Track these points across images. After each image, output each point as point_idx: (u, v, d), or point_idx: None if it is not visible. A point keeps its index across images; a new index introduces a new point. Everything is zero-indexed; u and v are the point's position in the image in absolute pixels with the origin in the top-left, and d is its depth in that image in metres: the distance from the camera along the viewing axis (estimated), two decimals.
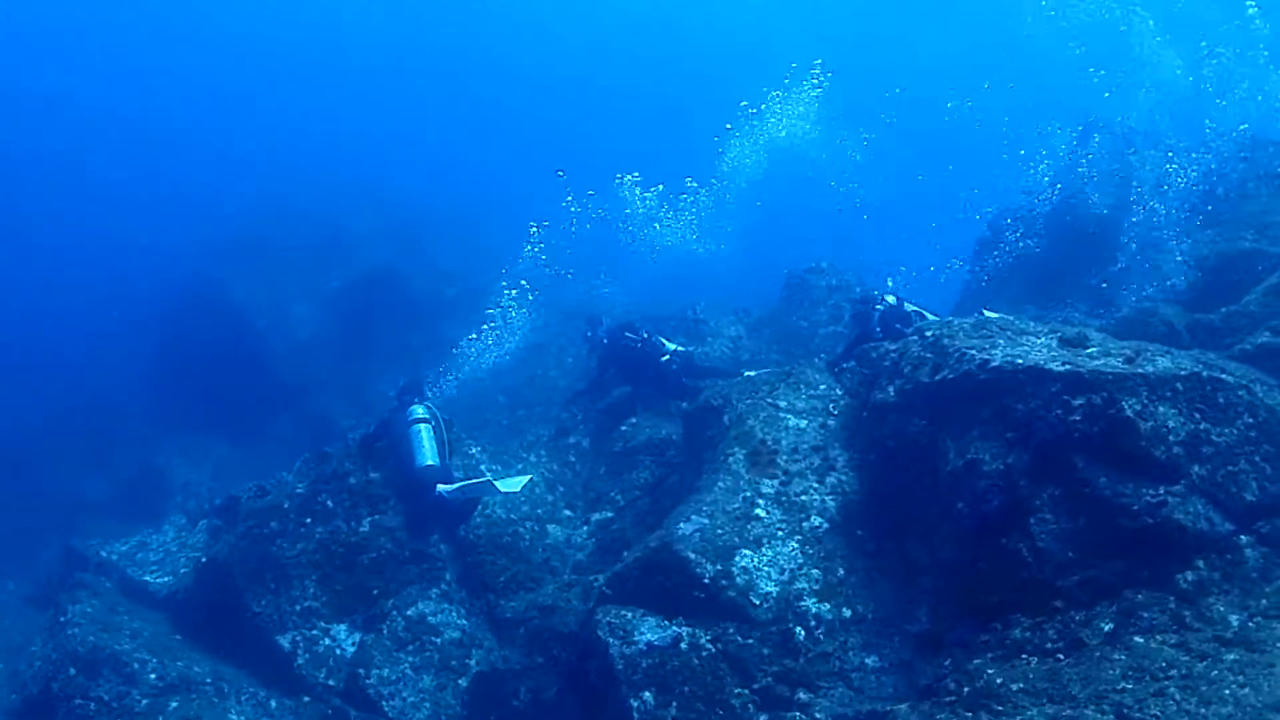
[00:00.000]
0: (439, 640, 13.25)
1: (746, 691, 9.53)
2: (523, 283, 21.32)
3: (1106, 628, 8.26)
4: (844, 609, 10.26)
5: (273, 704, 12.67)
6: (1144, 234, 18.59)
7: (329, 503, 14.07)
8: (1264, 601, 8.20)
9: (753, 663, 9.69)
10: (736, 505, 11.12)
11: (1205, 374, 9.56)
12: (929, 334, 11.40)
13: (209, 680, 12.66)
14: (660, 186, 23.13)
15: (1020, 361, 9.78)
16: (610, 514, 15.31)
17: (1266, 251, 15.65)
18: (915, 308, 15.77)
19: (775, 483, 11.50)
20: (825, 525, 11.06)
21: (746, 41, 66.69)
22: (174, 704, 12.23)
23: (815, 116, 25.29)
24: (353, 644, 13.19)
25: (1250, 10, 23.00)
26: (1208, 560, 8.51)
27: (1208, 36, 22.87)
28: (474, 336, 21.25)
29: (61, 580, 16.50)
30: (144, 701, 12.22)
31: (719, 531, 10.71)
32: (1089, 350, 10.14)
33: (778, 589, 10.28)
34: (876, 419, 11.54)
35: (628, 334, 17.83)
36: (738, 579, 10.29)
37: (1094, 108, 22.14)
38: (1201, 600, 8.29)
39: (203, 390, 26.79)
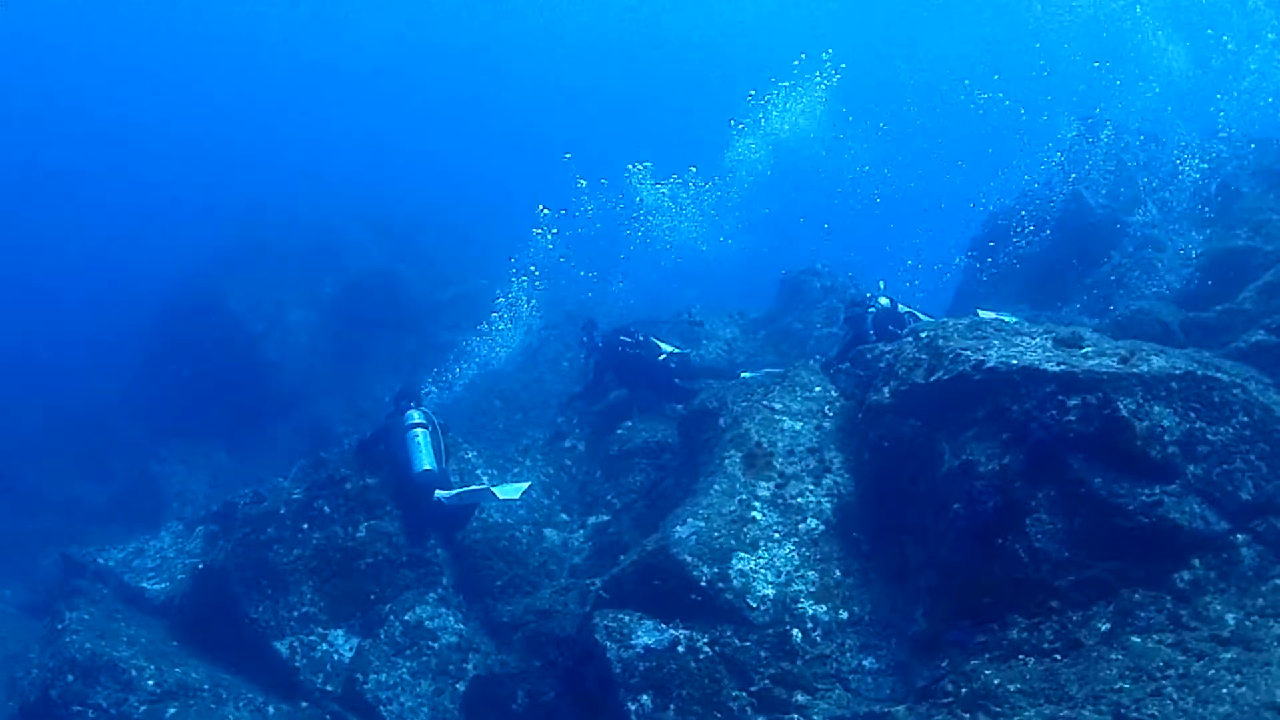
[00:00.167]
0: (436, 645, 13.24)
1: (744, 694, 9.51)
2: (532, 269, 21.25)
3: (1103, 628, 8.26)
4: (841, 611, 10.26)
5: (270, 710, 12.64)
6: (1139, 232, 18.62)
7: (326, 508, 14.06)
8: (1260, 600, 8.21)
9: (750, 665, 9.68)
10: (733, 508, 11.13)
11: (1200, 373, 9.57)
12: (924, 335, 11.40)
13: (207, 686, 12.64)
14: (676, 177, 23.08)
15: (1015, 362, 9.78)
16: (607, 517, 15.31)
17: (1261, 249, 15.65)
18: (909, 309, 15.79)
19: (771, 485, 11.51)
20: (821, 527, 11.07)
21: (751, 40, 66.76)
22: (172, 710, 12.21)
23: (825, 110, 25.19)
24: (350, 649, 13.19)
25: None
26: (1204, 559, 8.51)
27: (1214, 25, 22.86)
28: (485, 326, 21.22)
29: (59, 587, 16.49)
30: (142, 708, 12.19)
31: (715, 534, 10.71)
32: (1084, 350, 10.15)
33: (774, 591, 10.29)
34: (872, 421, 11.54)
35: (623, 338, 17.84)
36: (734, 582, 10.29)
37: (1100, 101, 22.10)
38: (1198, 599, 8.30)
39: (199, 396, 26.77)
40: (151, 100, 67.69)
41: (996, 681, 8.09)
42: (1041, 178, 22.60)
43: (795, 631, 9.98)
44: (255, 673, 13.13)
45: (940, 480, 9.93)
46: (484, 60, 75.91)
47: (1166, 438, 8.98)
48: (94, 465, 26.50)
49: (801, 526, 11.04)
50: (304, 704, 12.76)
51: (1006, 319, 13.25)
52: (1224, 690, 7.14)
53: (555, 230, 21.84)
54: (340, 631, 13.34)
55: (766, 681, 9.58)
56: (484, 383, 22.10)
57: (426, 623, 13.42)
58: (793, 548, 10.78)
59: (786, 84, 25.04)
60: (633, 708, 9.44)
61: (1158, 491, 8.68)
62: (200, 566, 14.66)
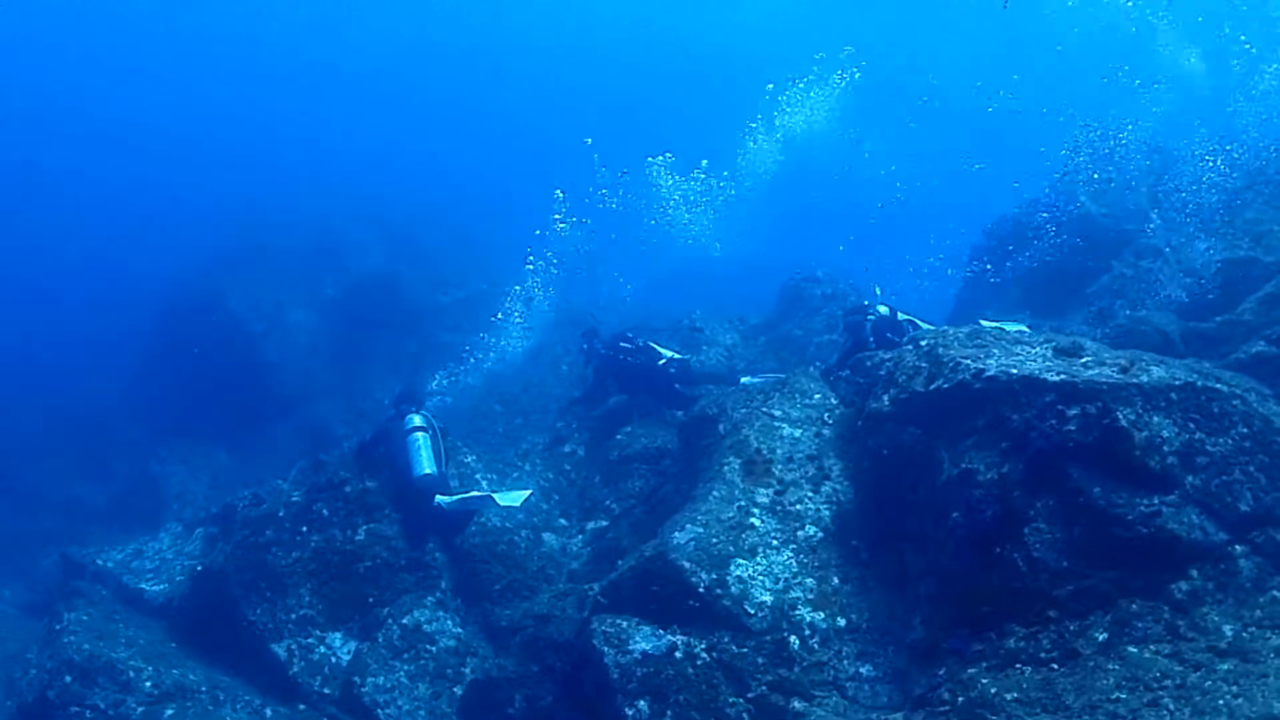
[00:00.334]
0: (434, 648, 13.25)
1: (741, 700, 9.52)
2: (549, 254, 21.16)
3: (1101, 637, 8.26)
4: (839, 618, 10.27)
5: (268, 712, 12.66)
6: (1140, 242, 18.63)
7: (325, 511, 14.07)
8: (1258, 612, 8.22)
9: (747, 672, 9.69)
10: (731, 514, 11.14)
11: (1200, 383, 9.58)
12: (924, 343, 11.41)
13: (204, 688, 12.65)
14: (700, 172, 22.92)
15: (1015, 371, 9.79)
16: (605, 522, 15.32)
17: (1261, 260, 15.67)
18: (908, 317, 15.80)
19: (770, 492, 11.52)
20: (820, 534, 11.09)
21: (762, 39, 66.70)
22: (169, 711, 12.22)
23: (843, 108, 25.02)
24: (348, 652, 13.20)
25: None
26: (1202, 570, 8.52)
27: (1234, 25, 22.81)
28: (499, 316, 21.15)
29: (58, 588, 16.52)
30: (140, 709, 12.21)
31: (714, 540, 10.72)
32: (1083, 360, 10.16)
33: (772, 598, 10.29)
34: (871, 428, 11.55)
35: (623, 344, 17.84)
36: (733, 588, 10.29)
37: (1116, 105, 22.02)
38: (1196, 610, 8.30)
39: (199, 397, 26.74)
40: (152, 100, 67.71)
41: (994, 690, 8.11)
42: (1044, 186, 22.62)
43: (793, 638, 9.98)
44: (253, 675, 13.16)
45: (939, 488, 9.94)
46: (486, 61, 75.95)
47: (1166, 448, 8.99)
48: (94, 465, 26.49)
49: (800, 533, 11.05)
50: (301, 706, 12.77)
51: (1008, 328, 13.27)
52: (1221, 701, 7.15)
53: (576, 218, 21.67)
54: (338, 634, 13.36)
55: (764, 688, 9.58)
56: (484, 386, 22.10)
57: (424, 626, 13.42)
58: (791, 555, 10.79)
59: (807, 78, 24.80)
60: (630, 713, 9.45)
61: (1156, 502, 8.69)
62: (199, 568, 14.67)
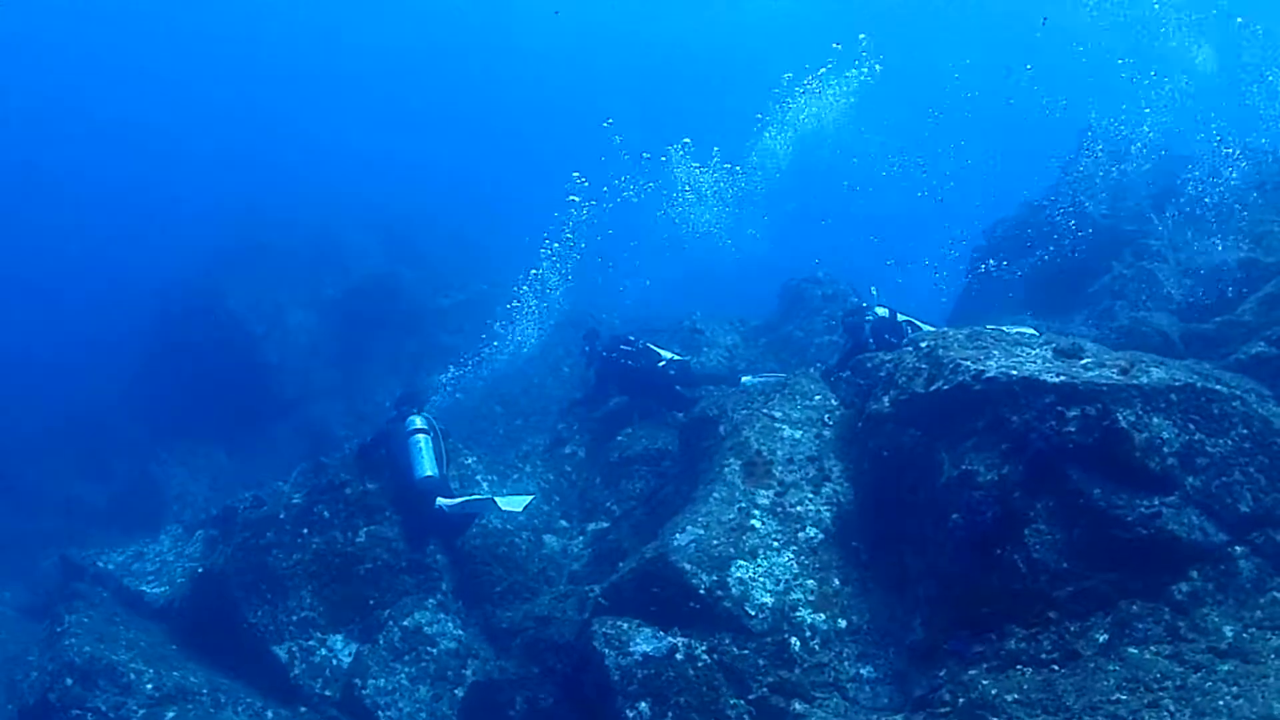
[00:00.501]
0: (435, 650, 13.26)
1: (742, 702, 9.52)
2: (567, 235, 21.00)
3: (1101, 638, 8.27)
4: (839, 620, 10.28)
5: (269, 714, 12.67)
6: (1140, 243, 18.62)
7: (325, 513, 14.08)
8: (1258, 612, 8.23)
9: (748, 673, 9.69)
10: (732, 516, 11.14)
11: (1200, 385, 9.58)
12: (924, 345, 11.42)
13: (205, 690, 12.66)
14: (719, 160, 22.71)
15: (1015, 373, 9.79)
16: (606, 524, 15.32)
17: (1261, 261, 15.66)
18: (907, 318, 15.80)
19: (770, 493, 11.52)
20: (820, 536, 11.09)
21: (762, 41, 66.54)
22: (170, 714, 12.23)
23: (863, 101, 24.77)
24: (349, 654, 13.21)
25: None
26: (1202, 571, 8.53)
27: (1245, 14, 22.72)
28: (515, 304, 21.06)
29: (58, 590, 16.52)
30: (140, 712, 12.22)
31: (714, 542, 10.72)
32: (1084, 361, 10.17)
33: (773, 600, 10.29)
34: (871, 430, 11.56)
35: (623, 346, 17.84)
36: (733, 590, 10.30)
37: (1126, 99, 21.91)
38: (1196, 611, 8.31)
39: (199, 399, 26.73)
40: (153, 101, 67.73)
41: (994, 692, 8.11)
42: (1043, 188, 22.63)
43: (794, 640, 9.98)
44: (254, 677, 13.17)
45: (939, 490, 9.94)
46: (486, 64, 76.00)
47: (1166, 449, 9.00)
48: (94, 467, 26.47)
49: (801, 535, 11.05)
50: (302, 709, 12.79)
51: (1026, 332, 13.25)
52: (1221, 702, 7.17)
53: (594, 200, 21.51)
54: (339, 636, 13.37)
55: (764, 690, 9.58)
56: (484, 387, 22.09)
57: (425, 628, 13.44)
58: (791, 556, 10.79)
59: (825, 68, 24.50)
60: (631, 715, 9.45)
61: (1156, 503, 8.70)
62: (200, 570, 14.69)
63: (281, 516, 14.02)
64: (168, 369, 28.78)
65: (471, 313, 29.00)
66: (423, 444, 14.63)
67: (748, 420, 12.74)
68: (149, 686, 12.51)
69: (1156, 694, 7.50)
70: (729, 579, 10.38)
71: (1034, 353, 10.57)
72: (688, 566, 10.41)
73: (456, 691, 12.84)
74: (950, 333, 11.72)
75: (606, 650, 9.93)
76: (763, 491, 11.56)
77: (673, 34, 75.22)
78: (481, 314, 26.89)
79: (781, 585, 10.45)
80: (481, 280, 31.38)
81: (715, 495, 11.50)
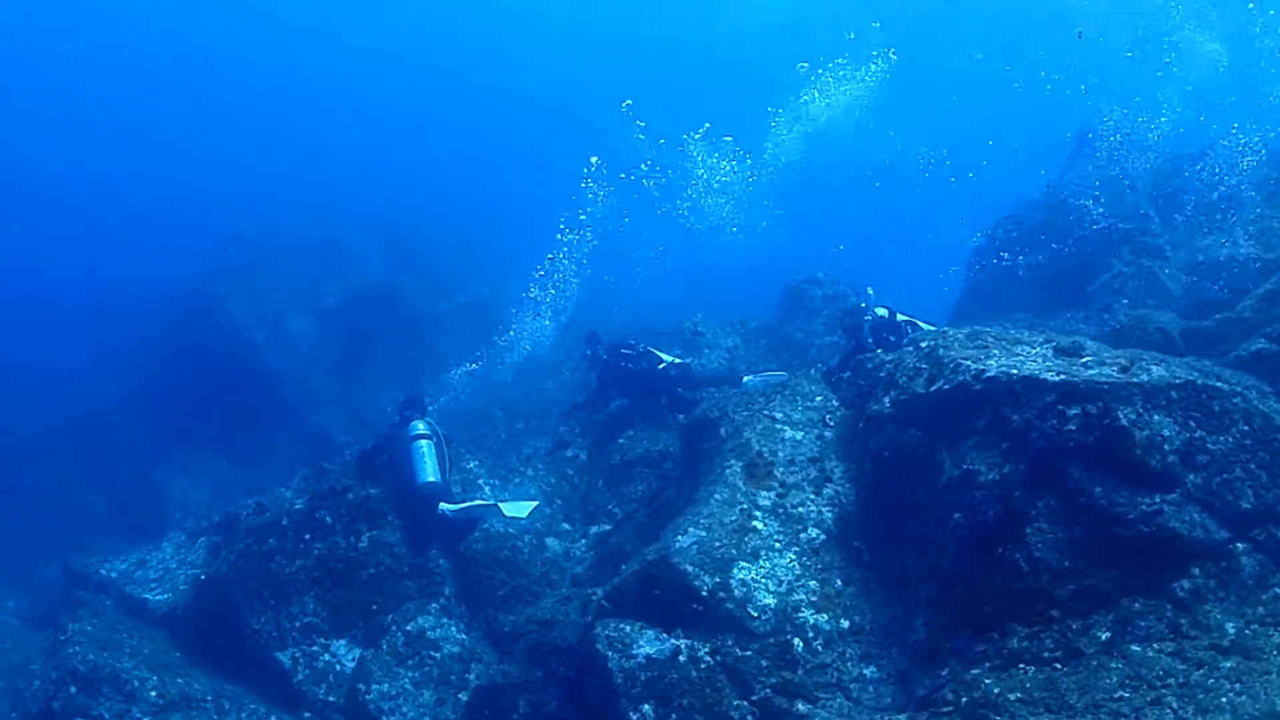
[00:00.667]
0: (438, 655, 13.26)
1: (745, 703, 9.52)
2: (582, 216, 20.80)
3: (1103, 636, 8.27)
4: (842, 620, 10.28)
5: (273, 719, 12.70)
6: (1140, 241, 18.61)
7: (328, 519, 14.09)
8: (1260, 609, 8.23)
9: (751, 675, 9.69)
10: (734, 517, 11.15)
11: (1200, 382, 9.58)
12: (924, 345, 11.42)
13: (209, 697, 12.68)
14: (739, 149, 22.46)
15: (1015, 372, 9.79)
16: (608, 527, 15.33)
17: (1261, 257, 15.67)
18: (908, 318, 15.79)
19: (772, 495, 11.53)
20: (822, 537, 11.10)
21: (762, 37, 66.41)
22: None
23: (880, 92, 24.53)
24: (352, 660, 13.22)
25: None
26: (1204, 568, 8.53)
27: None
28: (532, 292, 20.94)
29: (61, 598, 16.55)
30: (145, 719, 12.23)
31: (716, 544, 10.73)
32: (1084, 359, 10.16)
33: (775, 601, 10.30)
34: (872, 430, 11.56)
35: (624, 350, 17.86)
36: (735, 591, 10.30)
37: (1139, 91, 21.83)
38: (1198, 608, 8.31)
39: (201, 405, 26.74)
40: (156, 106, 67.69)
41: (997, 690, 8.11)
42: (1044, 185, 22.61)
43: (796, 641, 9.99)
44: (258, 683, 13.19)
45: (941, 490, 9.95)
46: (487, 68, 75.93)
47: (1166, 447, 9.00)
48: (96, 474, 26.43)
49: (802, 536, 11.06)
50: (306, 714, 12.81)
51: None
52: (1224, 699, 7.16)
53: (612, 185, 21.32)
54: (342, 642, 13.39)
55: (768, 691, 9.58)
56: (485, 391, 22.07)
57: (429, 633, 13.44)
58: (794, 557, 10.80)
59: (841, 58, 24.25)
60: (634, 717, 9.45)
61: (1158, 500, 8.70)
62: (203, 577, 14.70)
63: (284, 522, 14.04)
64: (169, 376, 28.78)
65: (472, 317, 29.04)
66: (425, 449, 14.64)
67: (749, 421, 12.75)
68: (153, 694, 12.52)
69: (1159, 691, 7.50)
70: (731, 580, 10.38)
71: (1034, 351, 10.57)
72: (690, 568, 10.41)
73: (460, 696, 12.83)
74: (950, 332, 11.72)
75: (609, 653, 9.92)
76: (764, 493, 11.57)
77: (673, 32, 75.09)
78: (482, 318, 26.92)
79: (784, 586, 10.46)
80: (482, 283, 31.45)
81: (717, 497, 11.51)
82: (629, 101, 23.82)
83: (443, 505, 13.95)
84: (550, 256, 20.90)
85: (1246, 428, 9.38)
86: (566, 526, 15.84)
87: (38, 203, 55.12)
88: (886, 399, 11.40)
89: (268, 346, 28.72)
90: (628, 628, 10.20)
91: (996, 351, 10.62)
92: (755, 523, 11.11)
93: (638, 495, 15.63)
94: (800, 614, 10.23)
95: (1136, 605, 8.39)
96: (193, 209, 50.30)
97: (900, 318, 15.76)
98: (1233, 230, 17.01)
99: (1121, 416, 9.02)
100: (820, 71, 23.88)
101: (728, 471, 11.93)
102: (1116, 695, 7.59)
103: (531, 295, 20.91)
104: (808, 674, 9.78)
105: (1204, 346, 13.38)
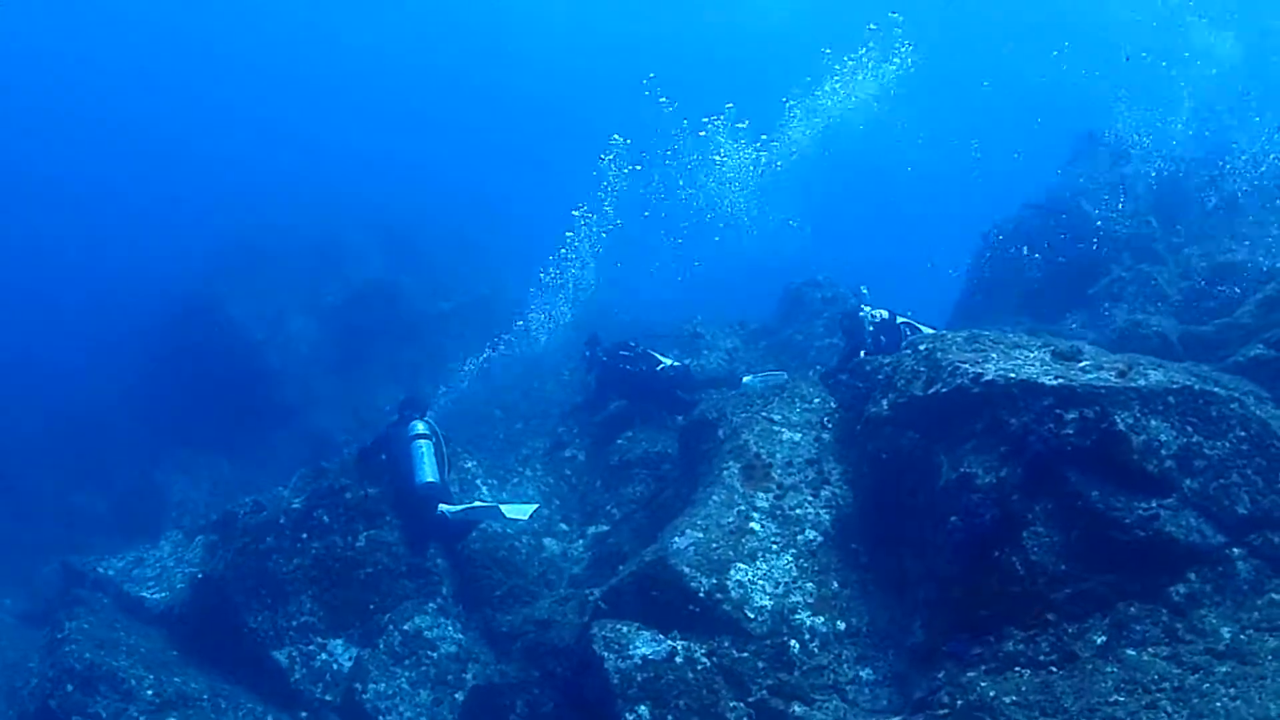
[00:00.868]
0: (435, 655, 13.27)
1: (742, 705, 9.53)
2: (607, 208, 20.67)
3: (1099, 640, 8.28)
4: (838, 622, 10.29)
5: (270, 719, 12.69)
6: (1139, 246, 18.64)
7: (325, 518, 14.09)
8: (1256, 614, 8.23)
9: (748, 676, 9.70)
10: (731, 519, 11.15)
11: (1198, 387, 9.60)
12: (923, 348, 11.44)
13: (206, 696, 12.68)
14: (764, 137, 22.19)
15: (1013, 375, 9.81)
16: (606, 527, 15.34)
17: (1260, 264, 15.71)
18: (907, 320, 15.79)
19: (770, 496, 11.54)
20: (820, 538, 11.11)
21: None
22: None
23: (901, 86, 24.27)
24: (349, 659, 13.22)
25: None
26: (1200, 573, 8.53)
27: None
28: (550, 273, 20.81)
29: (58, 596, 16.54)
30: (141, 718, 12.24)
31: (714, 545, 10.73)
32: (1082, 364, 10.18)
33: (772, 602, 10.31)
34: (870, 432, 11.58)
35: (623, 352, 17.88)
36: (733, 593, 10.31)
37: (1150, 90, 21.78)
38: (1194, 613, 8.32)
39: (199, 405, 26.75)
40: (156, 105, 67.72)
41: (992, 694, 8.12)
42: (1043, 189, 22.65)
43: (793, 642, 10.00)
44: (254, 682, 13.18)
45: (938, 492, 9.96)
46: (487, 68, 75.90)
47: (1163, 452, 9.01)
48: (94, 473, 26.43)
49: (800, 538, 11.07)
50: (303, 714, 12.81)
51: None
52: (1219, 704, 7.17)
53: (636, 165, 21.11)
54: (339, 641, 13.38)
55: (764, 692, 9.59)
56: (484, 392, 22.08)
57: (426, 632, 13.44)
58: (791, 559, 10.81)
59: (863, 50, 24.00)
60: (630, 718, 9.45)
61: (1154, 505, 8.71)
62: (200, 576, 14.69)
63: (281, 521, 14.04)
64: (168, 375, 28.81)
65: (472, 317, 29.06)
66: (424, 449, 14.65)
67: (747, 423, 12.77)
68: (149, 692, 12.53)
69: (1154, 695, 7.51)
70: (728, 582, 10.39)
71: (1032, 355, 10.59)
72: (687, 570, 10.42)
73: (457, 695, 12.83)
74: (949, 335, 11.74)
75: (606, 654, 9.93)
76: (762, 494, 11.58)
77: (675, 31, 75.05)
78: (483, 317, 26.91)
79: (781, 588, 10.47)
80: (482, 283, 31.47)
81: (714, 498, 11.52)
82: (651, 74, 23.66)
83: (442, 506, 13.96)
84: (569, 234, 20.78)
85: (1243, 433, 9.39)
86: (564, 527, 15.85)
87: (37, 203, 55.13)
88: (885, 401, 11.42)
89: (267, 346, 28.77)
90: (625, 628, 10.21)
91: (994, 355, 10.63)
92: (753, 524, 11.13)
93: (636, 496, 15.64)
94: (797, 616, 10.24)
95: (1132, 609, 8.40)
96: (192, 209, 50.32)
97: (900, 320, 15.77)
98: (1232, 236, 17.03)
99: (1119, 421, 9.04)
100: (847, 59, 23.67)
101: (725, 473, 11.94)
102: (1111, 699, 7.60)
103: (549, 276, 20.74)
104: (804, 675, 9.79)
105: (1202, 352, 13.42)
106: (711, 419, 13.62)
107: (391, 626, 13.39)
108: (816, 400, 13.28)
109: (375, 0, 73.98)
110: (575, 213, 20.76)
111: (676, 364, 17.94)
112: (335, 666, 13.16)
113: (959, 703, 8.25)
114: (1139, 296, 17.18)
